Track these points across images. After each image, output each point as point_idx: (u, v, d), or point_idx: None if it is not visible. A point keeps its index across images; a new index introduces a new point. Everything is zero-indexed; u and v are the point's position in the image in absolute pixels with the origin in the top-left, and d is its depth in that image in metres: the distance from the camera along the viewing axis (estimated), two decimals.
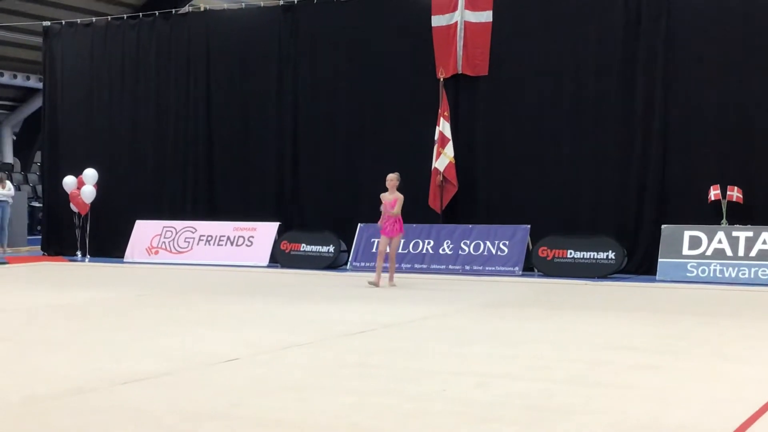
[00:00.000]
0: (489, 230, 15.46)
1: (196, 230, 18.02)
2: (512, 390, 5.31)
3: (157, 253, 18.04)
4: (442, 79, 16.08)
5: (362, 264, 15.95)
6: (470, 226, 15.59)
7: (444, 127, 15.91)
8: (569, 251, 14.72)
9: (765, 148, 14.39)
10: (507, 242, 15.22)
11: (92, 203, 18.51)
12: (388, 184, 12.94)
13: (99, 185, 18.57)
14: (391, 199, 12.84)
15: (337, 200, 17.21)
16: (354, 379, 5.69)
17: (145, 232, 18.37)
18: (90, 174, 18.47)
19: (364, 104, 17.18)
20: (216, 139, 18.61)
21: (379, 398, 5.07)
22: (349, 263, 16.25)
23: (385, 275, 12.98)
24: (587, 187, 15.49)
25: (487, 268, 15.03)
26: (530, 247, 15.16)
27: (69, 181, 18.61)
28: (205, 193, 18.69)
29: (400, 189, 13.05)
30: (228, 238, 17.65)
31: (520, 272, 14.89)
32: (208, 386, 5.42)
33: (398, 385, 5.50)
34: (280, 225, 17.38)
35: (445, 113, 15.93)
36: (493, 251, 15.25)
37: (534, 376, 5.81)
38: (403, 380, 5.65)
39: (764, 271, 13.46)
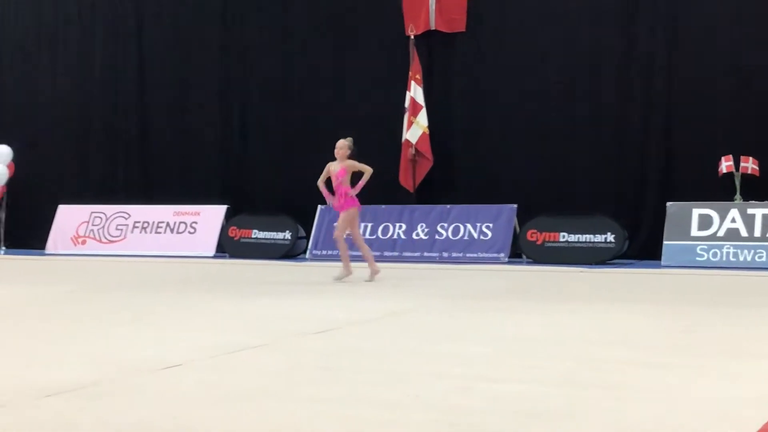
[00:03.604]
0: (470, 211, 15.52)
1: (129, 216, 17.94)
2: (498, 394, 5.34)
3: (84, 243, 17.95)
4: (412, 37, 16.07)
5: (323, 252, 15.96)
6: (448, 206, 15.65)
7: (416, 92, 15.92)
8: (562, 234, 14.83)
9: None
10: (491, 225, 15.30)
11: (9, 186, 18.36)
12: (336, 153, 12.56)
13: (15, 165, 18.40)
14: (339, 169, 12.45)
15: (292, 179, 17.16)
16: (314, 384, 5.70)
17: (69, 218, 18.26)
18: (3, 152, 18.30)
19: (321, 67, 17.13)
20: (150, 110, 18.51)
21: (344, 407, 5.08)
22: (308, 251, 16.26)
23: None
24: (581, 161, 15.57)
25: (467, 255, 15.11)
26: (517, 230, 15.24)
27: None
28: (140, 172, 18.58)
29: (369, 163, 12.87)
30: (167, 224, 17.59)
31: (506, 259, 14.98)
32: (147, 396, 5.40)
33: (366, 390, 5.51)
34: (228, 208, 17.33)
35: (417, 76, 15.94)
36: (475, 235, 15.33)
37: (522, 378, 5.85)
38: (371, 385, 5.67)
39: None
